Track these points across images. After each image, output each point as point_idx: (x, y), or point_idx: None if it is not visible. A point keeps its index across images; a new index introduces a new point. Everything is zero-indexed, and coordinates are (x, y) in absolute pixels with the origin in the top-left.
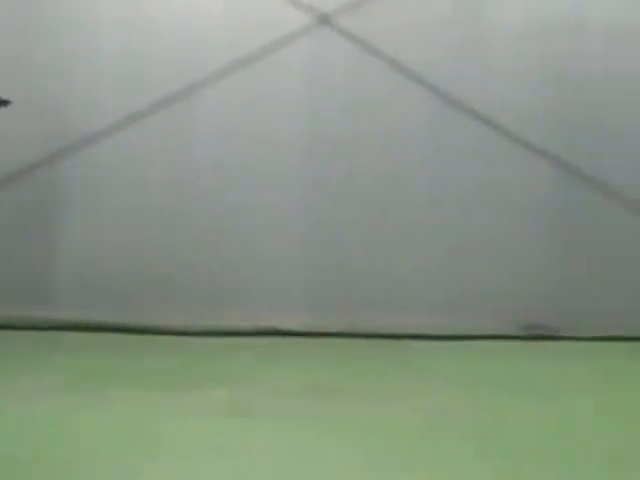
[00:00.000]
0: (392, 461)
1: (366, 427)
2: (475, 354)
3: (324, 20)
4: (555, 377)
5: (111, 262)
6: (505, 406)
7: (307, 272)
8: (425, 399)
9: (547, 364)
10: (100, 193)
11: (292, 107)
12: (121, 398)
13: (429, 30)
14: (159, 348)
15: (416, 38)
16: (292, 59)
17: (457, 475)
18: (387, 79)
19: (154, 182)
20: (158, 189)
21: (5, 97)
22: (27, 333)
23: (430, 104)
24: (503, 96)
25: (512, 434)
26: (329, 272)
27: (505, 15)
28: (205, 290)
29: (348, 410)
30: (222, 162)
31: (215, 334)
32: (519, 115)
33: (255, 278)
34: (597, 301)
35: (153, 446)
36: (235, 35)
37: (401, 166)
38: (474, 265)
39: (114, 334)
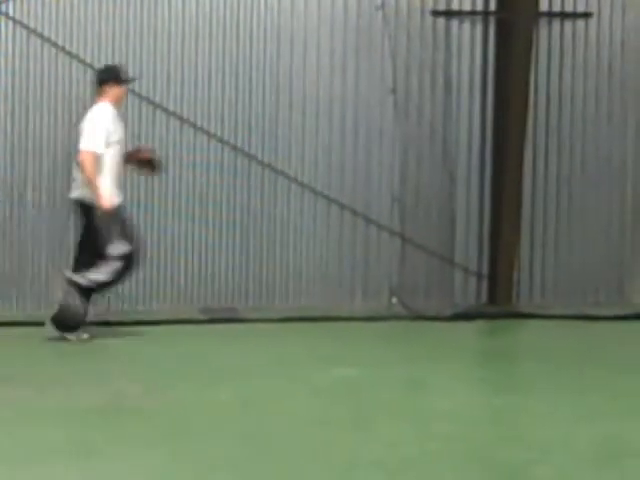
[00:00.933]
0: (63, 447)
1: (30, 413)
2: (157, 338)
3: None
4: (236, 358)
5: None
6: (184, 389)
7: None
8: (103, 384)
9: (230, 346)
10: None
11: None
12: None
13: (97, 24)
14: None
15: (86, 30)
16: None
17: (134, 458)
18: (55, 63)
19: None
20: None
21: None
22: None
23: None
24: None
25: (190, 416)
26: None
27: (176, 13)
28: None
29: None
30: None
31: None
32: (204, 110)
33: None
34: (275, 284)
35: None
36: None
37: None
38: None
39: None
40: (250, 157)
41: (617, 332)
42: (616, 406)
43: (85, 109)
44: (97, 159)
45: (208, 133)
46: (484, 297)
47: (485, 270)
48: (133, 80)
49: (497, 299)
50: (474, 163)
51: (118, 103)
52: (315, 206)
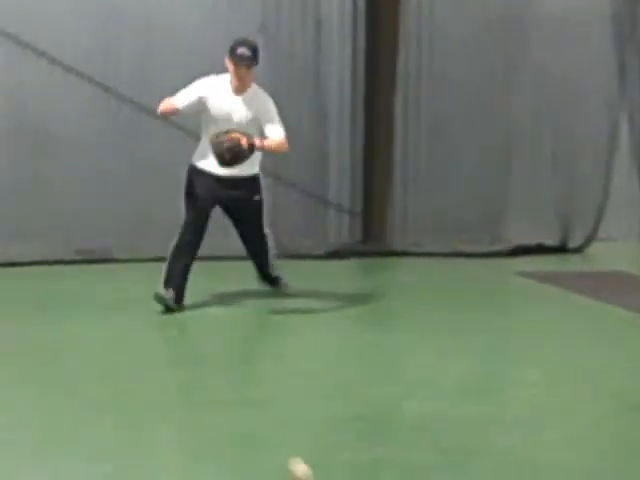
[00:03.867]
0: None
1: None
2: (29, 278)
3: None
4: (109, 296)
5: None
6: (55, 327)
7: None
8: None
9: (102, 285)
10: None
11: None
12: None
13: None
14: None
15: None
16: None
17: (3, 394)
18: None
19: None
20: None
21: None
22: None
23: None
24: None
25: (61, 353)
26: None
27: None
28: None
29: None
30: None
31: None
32: (73, 49)
33: None
34: (150, 224)
35: None
36: None
37: None
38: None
39: None
40: (121, 98)
41: (488, 269)
42: (482, 342)
43: None
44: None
45: (79, 72)
46: (358, 235)
47: (359, 208)
48: (243, 60)
49: (371, 237)
50: (346, 101)
51: (234, 79)
52: (188, 145)
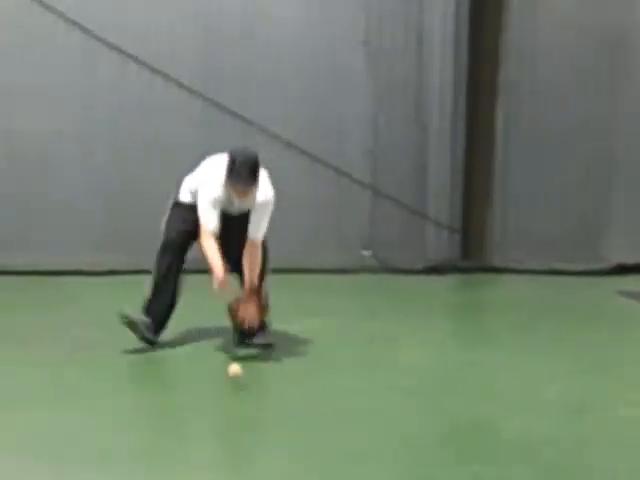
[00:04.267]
0: (23, 397)
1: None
2: (128, 289)
3: None
4: (200, 308)
5: None
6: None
7: None
8: (70, 334)
9: (192, 296)
10: None
11: None
12: None
13: None
14: None
15: None
16: None
17: (88, 407)
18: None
19: None
20: None
21: None
22: None
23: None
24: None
25: (161, 368)
26: None
27: None
28: None
29: None
30: None
31: None
32: (175, 60)
33: None
34: None
35: None
36: None
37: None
38: (126, 208)
39: None
40: (220, 108)
41: (588, 287)
42: (581, 362)
43: None
44: None
45: (179, 83)
46: (457, 251)
47: (458, 224)
48: (239, 184)
49: (470, 253)
50: (446, 116)
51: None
52: (286, 157)
